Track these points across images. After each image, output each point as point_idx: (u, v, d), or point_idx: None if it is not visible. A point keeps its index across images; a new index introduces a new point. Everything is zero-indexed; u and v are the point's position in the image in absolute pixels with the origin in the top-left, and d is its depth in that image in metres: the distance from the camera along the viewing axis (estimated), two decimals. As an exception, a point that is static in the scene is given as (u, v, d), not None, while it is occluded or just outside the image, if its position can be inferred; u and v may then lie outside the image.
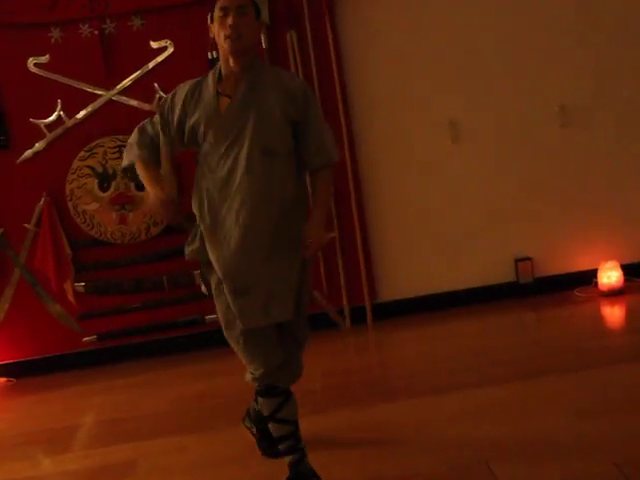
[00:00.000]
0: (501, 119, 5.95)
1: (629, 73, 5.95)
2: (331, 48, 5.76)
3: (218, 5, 3.41)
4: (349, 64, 5.84)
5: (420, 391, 4.65)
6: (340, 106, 5.82)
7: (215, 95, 3.51)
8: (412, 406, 4.47)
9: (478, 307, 5.96)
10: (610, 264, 5.89)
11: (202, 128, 3.52)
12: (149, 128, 3.68)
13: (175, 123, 3.58)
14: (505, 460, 3.69)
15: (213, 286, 3.63)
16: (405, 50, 5.87)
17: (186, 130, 3.56)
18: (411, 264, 6.04)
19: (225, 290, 3.54)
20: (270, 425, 3.75)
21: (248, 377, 3.70)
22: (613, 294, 5.84)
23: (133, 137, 3.72)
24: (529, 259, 6.05)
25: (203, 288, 3.81)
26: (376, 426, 4.30)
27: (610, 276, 5.87)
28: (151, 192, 3.55)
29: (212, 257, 3.55)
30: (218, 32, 3.43)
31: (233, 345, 3.65)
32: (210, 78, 3.54)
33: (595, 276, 5.95)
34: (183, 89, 3.59)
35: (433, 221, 6.02)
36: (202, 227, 3.59)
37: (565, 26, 5.89)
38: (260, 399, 3.74)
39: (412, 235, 6.02)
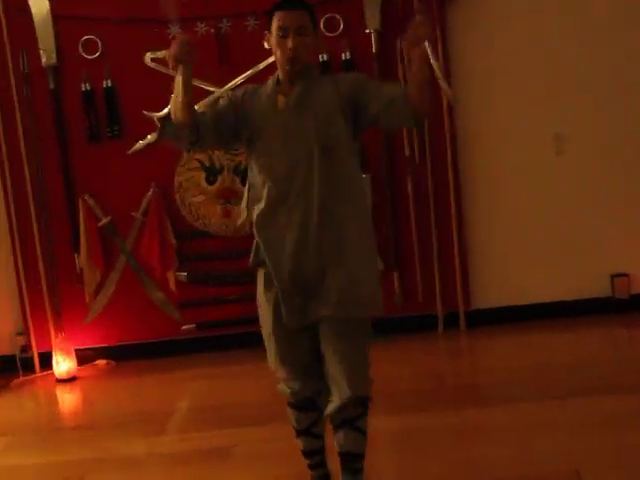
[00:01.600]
0: (607, 133, 5.96)
1: None
2: (440, 56, 5.83)
3: (277, 23, 3.39)
4: (458, 72, 5.89)
5: (508, 398, 4.70)
6: (445, 113, 5.90)
7: (272, 94, 3.49)
8: (501, 412, 4.52)
9: (571, 320, 5.96)
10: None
11: (257, 127, 3.48)
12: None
13: (225, 115, 3.51)
14: (597, 471, 3.72)
15: None
16: (516, 59, 5.93)
17: (231, 127, 3.50)
18: (507, 274, 6.07)
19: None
20: (303, 438, 3.75)
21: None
22: None
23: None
24: (626, 275, 6.03)
25: None
26: (465, 430, 4.37)
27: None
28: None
29: (269, 258, 3.48)
30: (276, 48, 3.42)
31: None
32: (270, 83, 3.53)
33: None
34: (242, 89, 3.61)
35: (531, 232, 6.04)
36: (258, 225, 3.49)
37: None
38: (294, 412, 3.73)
39: (509, 245, 6.06)
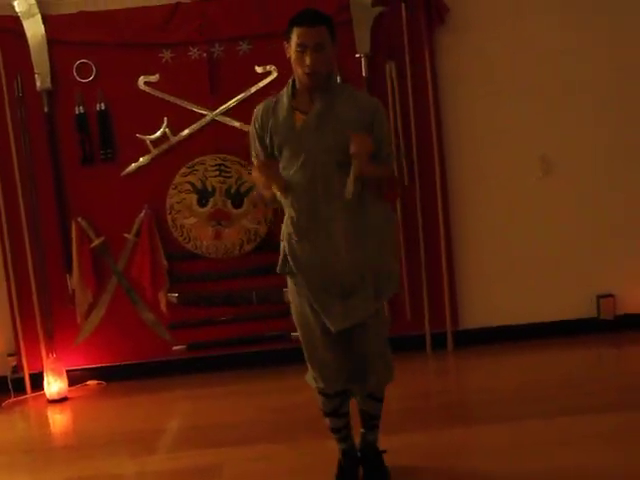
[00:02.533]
0: (594, 155, 6.06)
1: None
2: (428, 80, 5.92)
3: (296, 39, 3.51)
4: (445, 96, 6.00)
5: (497, 417, 4.75)
6: (434, 135, 5.98)
7: (290, 112, 3.62)
8: (488, 431, 4.58)
9: (557, 341, 6.02)
10: (693, 307, 5.93)
11: (277, 143, 3.65)
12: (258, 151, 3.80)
13: (263, 144, 3.74)
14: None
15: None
16: (502, 82, 6.01)
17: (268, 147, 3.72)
18: (494, 294, 6.13)
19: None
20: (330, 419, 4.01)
21: None
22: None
23: None
24: (612, 296, 6.11)
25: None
26: (452, 448, 4.42)
27: (691, 318, 5.91)
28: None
29: (301, 270, 3.72)
30: (295, 62, 3.55)
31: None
32: (285, 96, 3.65)
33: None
34: (258, 111, 3.74)
35: (517, 253, 6.11)
36: (287, 238, 3.75)
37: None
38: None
39: (496, 265, 6.12)
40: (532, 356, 5.85)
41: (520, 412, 4.80)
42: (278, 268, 3.80)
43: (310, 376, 3.92)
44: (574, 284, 6.11)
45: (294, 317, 3.87)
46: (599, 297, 6.10)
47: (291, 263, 3.72)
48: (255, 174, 3.65)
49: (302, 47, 3.49)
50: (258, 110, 3.74)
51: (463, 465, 4.14)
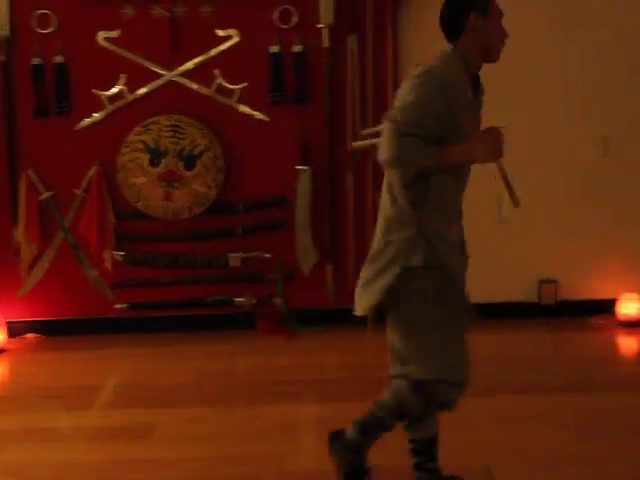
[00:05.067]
0: (543, 135, 6.10)
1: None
2: (389, 56, 5.92)
3: (497, 6, 3.36)
4: (406, 71, 5.99)
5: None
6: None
7: (473, 95, 3.38)
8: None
9: (498, 323, 6.06)
10: (630, 295, 6.04)
11: (457, 124, 3.26)
12: (420, 132, 3.21)
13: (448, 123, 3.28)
14: (506, 466, 3.87)
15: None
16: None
17: (442, 126, 3.24)
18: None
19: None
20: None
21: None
22: (630, 325, 5.97)
23: (403, 155, 3.22)
24: (554, 282, 6.20)
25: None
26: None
27: (629, 307, 6.01)
28: (469, 150, 3.26)
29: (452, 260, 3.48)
30: (495, 31, 3.33)
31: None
32: (459, 72, 3.31)
33: (614, 305, 6.09)
34: (440, 84, 3.25)
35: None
36: (444, 219, 3.44)
37: (608, 60, 6.06)
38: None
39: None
40: (473, 336, 5.89)
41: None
42: (421, 260, 3.35)
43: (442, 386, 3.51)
44: (517, 268, 6.18)
45: (440, 312, 3.47)
46: (541, 282, 6.19)
47: (442, 251, 3.40)
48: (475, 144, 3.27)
49: (502, 16, 3.37)
50: (439, 83, 3.25)
51: (391, 439, 4.17)
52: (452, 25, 3.35)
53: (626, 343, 5.87)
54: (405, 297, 3.39)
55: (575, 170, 6.13)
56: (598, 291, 6.21)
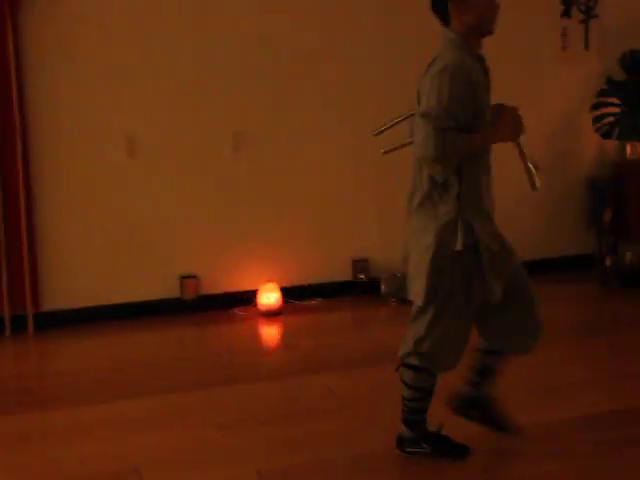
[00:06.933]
0: (178, 138, 6.13)
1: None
2: (11, 54, 5.64)
3: None
4: (30, 72, 5.78)
5: (76, 401, 4.66)
6: (17, 115, 5.71)
7: (484, 73, 3.49)
8: (66, 414, 4.47)
9: (143, 321, 6.05)
10: (270, 285, 6.22)
11: (480, 108, 3.43)
12: (451, 124, 3.37)
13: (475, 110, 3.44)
14: (156, 468, 3.80)
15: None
16: (87, 64, 5.91)
17: (468, 111, 3.40)
18: (80, 275, 6.01)
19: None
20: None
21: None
22: (271, 314, 6.15)
23: (439, 149, 3.36)
24: (194, 276, 6.23)
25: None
26: (30, 434, 4.27)
27: (269, 297, 6.19)
28: (496, 135, 3.48)
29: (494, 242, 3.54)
30: (486, 10, 3.41)
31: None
32: (467, 55, 3.43)
33: (256, 296, 6.24)
34: (463, 70, 3.38)
35: (102, 235, 6.03)
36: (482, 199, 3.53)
37: (246, 57, 6.19)
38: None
39: (81, 247, 6.00)
40: (118, 337, 5.82)
41: (105, 394, 4.75)
42: (458, 244, 3.46)
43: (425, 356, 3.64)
44: (158, 265, 6.18)
45: (453, 295, 3.54)
46: (182, 278, 6.20)
47: (479, 233, 3.48)
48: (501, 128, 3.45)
49: None
50: (462, 68, 3.37)
51: (39, 450, 4.01)
52: (439, 13, 3.47)
53: (267, 332, 6.04)
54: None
55: (208, 165, 6.21)
56: (239, 283, 6.34)
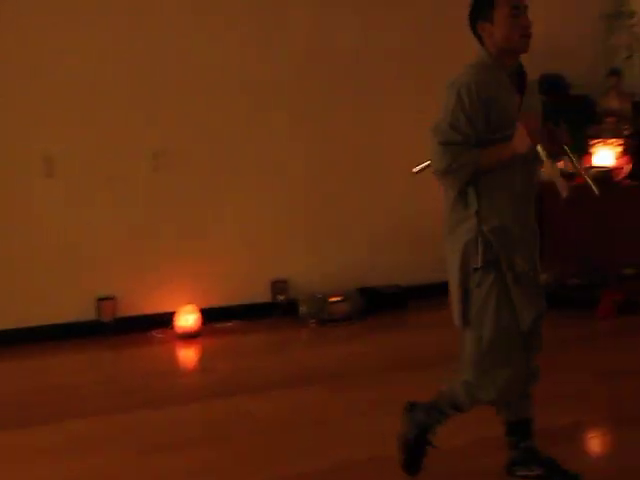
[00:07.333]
0: (97, 157, 6.07)
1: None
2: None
3: (506, 3, 3.40)
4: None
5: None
6: None
7: (512, 89, 3.46)
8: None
9: (60, 344, 5.95)
10: (188, 307, 6.16)
11: (498, 124, 3.41)
12: (457, 138, 3.39)
13: (483, 123, 3.42)
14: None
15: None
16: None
17: (479, 126, 3.41)
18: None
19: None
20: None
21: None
22: (189, 336, 6.10)
23: (446, 163, 3.39)
24: (112, 298, 6.14)
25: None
26: None
27: (188, 319, 6.13)
28: (509, 148, 3.38)
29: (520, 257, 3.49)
30: (508, 28, 3.40)
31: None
32: (495, 70, 3.46)
33: (174, 318, 6.17)
34: (471, 86, 3.38)
35: (21, 254, 5.96)
36: (499, 223, 3.47)
37: (167, 76, 6.17)
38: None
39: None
40: (34, 360, 5.71)
41: (21, 419, 4.65)
42: (477, 261, 3.44)
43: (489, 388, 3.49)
44: (75, 287, 6.09)
45: (493, 315, 3.45)
46: (99, 300, 6.12)
47: (497, 250, 3.45)
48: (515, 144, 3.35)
49: (518, 9, 3.41)
50: (480, 81, 3.41)
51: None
52: (474, 34, 3.51)
53: (186, 355, 5.98)
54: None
55: (128, 185, 6.15)
56: (157, 305, 6.28)
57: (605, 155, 6.65)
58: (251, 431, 4.41)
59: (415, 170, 3.90)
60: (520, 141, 3.32)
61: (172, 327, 6.17)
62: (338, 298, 6.50)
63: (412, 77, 6.70)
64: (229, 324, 6.38)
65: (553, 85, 7.13)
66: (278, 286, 6.60)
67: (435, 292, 6.85)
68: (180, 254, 6.30)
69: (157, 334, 6.17)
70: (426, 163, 3.76)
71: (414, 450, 3.71)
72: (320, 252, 6.71)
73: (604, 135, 6.67)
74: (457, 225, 3.52)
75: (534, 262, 3.55)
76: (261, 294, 6.58)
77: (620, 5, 7.07)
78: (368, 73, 6.65)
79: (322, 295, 6.48)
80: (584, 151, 6.62)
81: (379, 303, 6.68)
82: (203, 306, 6.29)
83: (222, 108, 6.32)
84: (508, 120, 3.41)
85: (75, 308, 6.09)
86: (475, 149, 3.38)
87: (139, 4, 6.08)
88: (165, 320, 6.21)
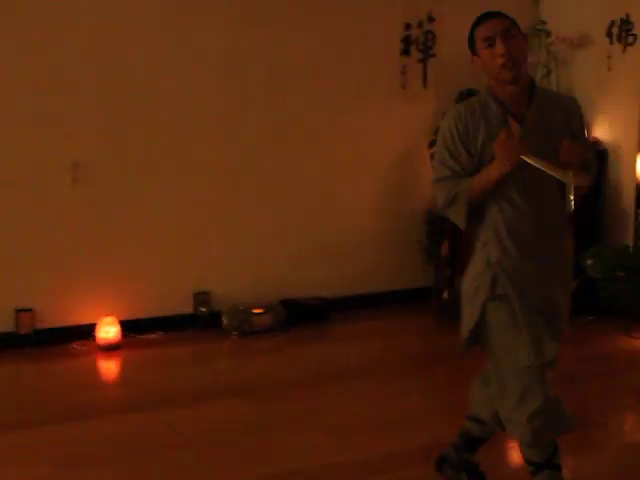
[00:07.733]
0: (14, 167, 5.95)
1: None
2: None
3: (479, 37, 3.33)
4: None
5: None
6: None
7: (504, 118, 3.37)
8: None
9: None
10: (108, 319, 6.08)
11: (490, 153, 3.35)
12: (446, 173, 3.42)
13: (466, 155, 3.40)
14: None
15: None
16: None
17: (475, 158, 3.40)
18: None
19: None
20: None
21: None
22: (110, 348, 6.01)
23: (443, 198, 3.43)
24: (29, 310, 6.03)
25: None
26: None
27: (108, 330, 6.06)
28: (493, 167, 3.33)
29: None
30: (489, 62, 3.32)
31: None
32: (490, 100, 3.40)
33: (95, 330, 6.09)
34: (459, 116, 3.40)
35: None
36: (504, 255, 3.40)
37: (86, 86, 6.08)
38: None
39: None
40: None
41: None
42: (485, 294, 3.43)
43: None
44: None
45: (502, 348, 3.45)
46: (17, 311, 6.00)
47: (504, 283, 3.39)
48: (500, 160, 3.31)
49: (489, 40, 3.30)
50: (459, 115, 3.41)
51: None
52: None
53: (106, 367, 5.91)
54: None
55: (46, 196, 6.05)
56: (77, 317, 6.17)
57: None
58: (173, 444, 4.39)
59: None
60: (500, 158, 3.32)
61: (93, 339, 6.08)
62: (261, 310, 6.49)
63: (331, 89, 6.75)
64: (151, 336, 6.30)
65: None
66: (200, 298, 6.56)
67: (357, 304, 6.94)
68: (101, 265, 6.21)
69: (77, 346, 6.05)
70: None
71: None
72: (242, 264, 6.69)
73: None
74: (470, 255, 3.56)
75: (546, 294, 3.44)
76: (183, 306, 6.52)
77: (537, 24, 7.21)
78: (287, 83, 6.66)
79: (244, 307, 6.46)
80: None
81: (301, 315, 6.67)
82: (124, 318, 6.20)
83: (140, 119, 6.24)
84: (492, 149, 3.40)
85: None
86: (466, 178, 3.40)
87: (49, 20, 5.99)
88: (85, 332, 6.10)
